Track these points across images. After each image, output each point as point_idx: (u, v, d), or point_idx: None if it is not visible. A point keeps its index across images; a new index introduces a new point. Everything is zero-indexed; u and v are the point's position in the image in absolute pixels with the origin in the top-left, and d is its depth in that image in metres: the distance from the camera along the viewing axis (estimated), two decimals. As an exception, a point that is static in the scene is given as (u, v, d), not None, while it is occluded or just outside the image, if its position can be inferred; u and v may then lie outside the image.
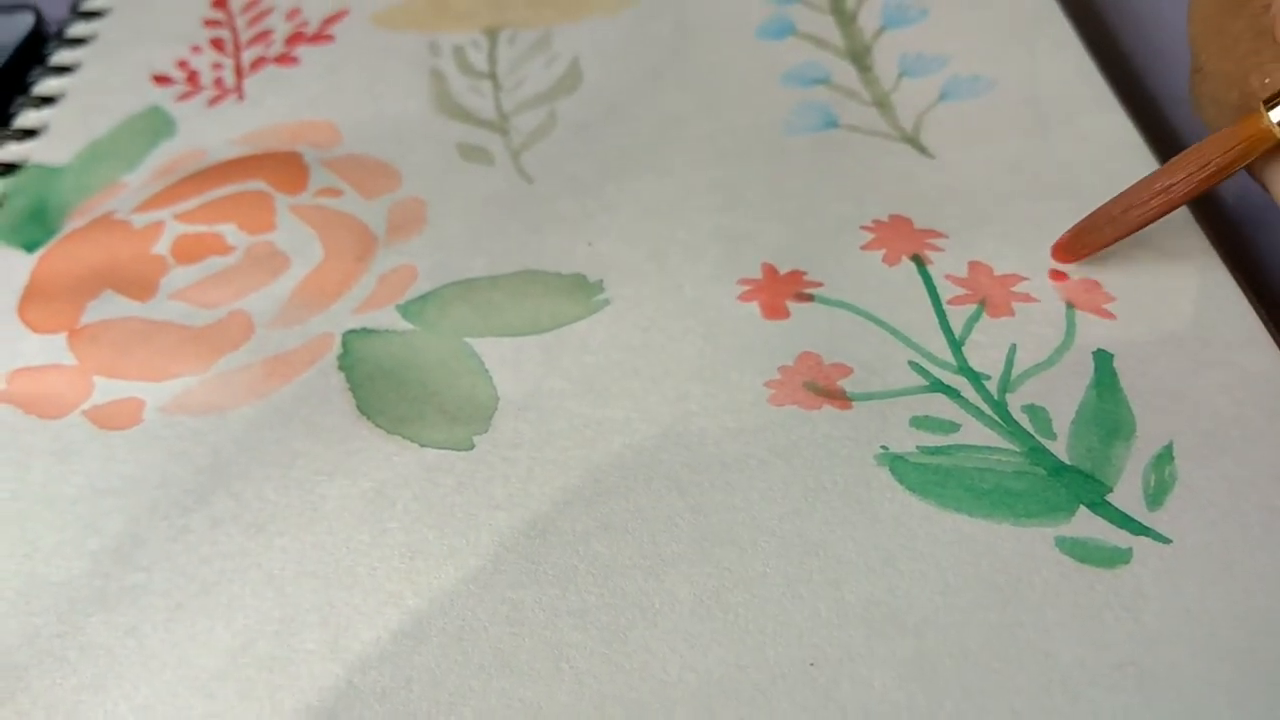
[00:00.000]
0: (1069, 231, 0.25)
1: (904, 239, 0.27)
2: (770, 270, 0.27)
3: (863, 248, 0.27)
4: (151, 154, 0.32)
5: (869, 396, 0.24)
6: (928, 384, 0.24)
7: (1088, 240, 0.25)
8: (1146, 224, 0.24)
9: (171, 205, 0.30)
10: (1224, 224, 0.28)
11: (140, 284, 0.28)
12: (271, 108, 0.34)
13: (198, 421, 0.26)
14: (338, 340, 0.27)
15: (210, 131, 0.33)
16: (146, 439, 0.25)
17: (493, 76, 0.34)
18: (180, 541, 0.23)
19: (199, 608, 0.22)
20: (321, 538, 0.23)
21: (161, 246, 0.29)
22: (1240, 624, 0.19)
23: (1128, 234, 0.24)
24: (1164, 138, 0.30)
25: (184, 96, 0.34)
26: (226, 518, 0.24)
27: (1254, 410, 0.22)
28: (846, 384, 0.24)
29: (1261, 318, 0.24)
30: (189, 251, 0.29)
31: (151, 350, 0.27)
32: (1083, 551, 0.21)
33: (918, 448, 0.23)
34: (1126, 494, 0.21)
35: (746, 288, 0.26)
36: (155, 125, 0.33)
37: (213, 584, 0.22)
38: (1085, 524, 0.21)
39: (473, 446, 0.24)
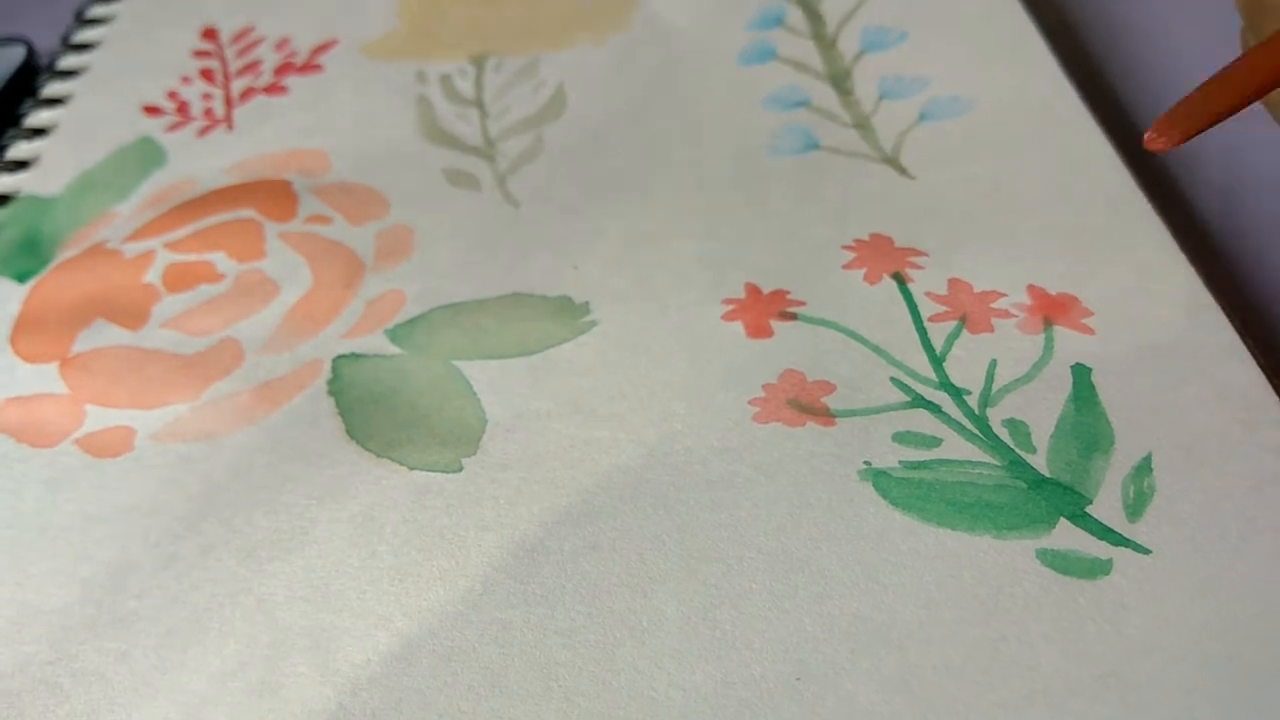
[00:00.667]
0: (1165, 114, 0.23)
1: (885, 258, 0.27)
2: (754, 290, 0.27)
3: (844, 267, 0.27)
4: (142, 184, 0.33)
5: (852, 413, 0.24)
6: (910, 400, 0.24)
7: (1190, 116, 0.23)
8: (1256, 93, 0.22)
9: (162, 235, 0.31)
10: (1201, 239, 0.29)
11: (131, 313, 0.29)
12: (261, 137, 0.34)
13: (189, 449, 0.26)
14: (327, 366, 0.27)
15: (200, 161, 0.33)
16: (138, 467, 0.25)
17: (479, 104, 0.34)
18: (171, 568, 0.23)
19: (190, 633, 0.22)
20: (311, 562, 0.23)
21: (153, 275, 0.30)
22: (1220, 633, 0.20)
23: (1236, 107, 0.22)
24: (1139, 154, 0.31)
25: (174, 127, 0.35)
26: (217, 544, 0.24)
27: (1231, 422, 0.23)
28: (830, 401, 0.24)
29: (1238, 330, 0.24)
30: (180, 280, 0.29)
31: (143, 378, 0.27)
32: (1064, 563, 0.21)
33: (900, 463, 0.23)
34: (1106, 506, 0.22)
35: (731, 307, 0.27)
36: (146, 155, 0.34)
37: (203, 610, 0.23)
38: (1066, 536, 0.21)
39: (461, 469, 0.24)
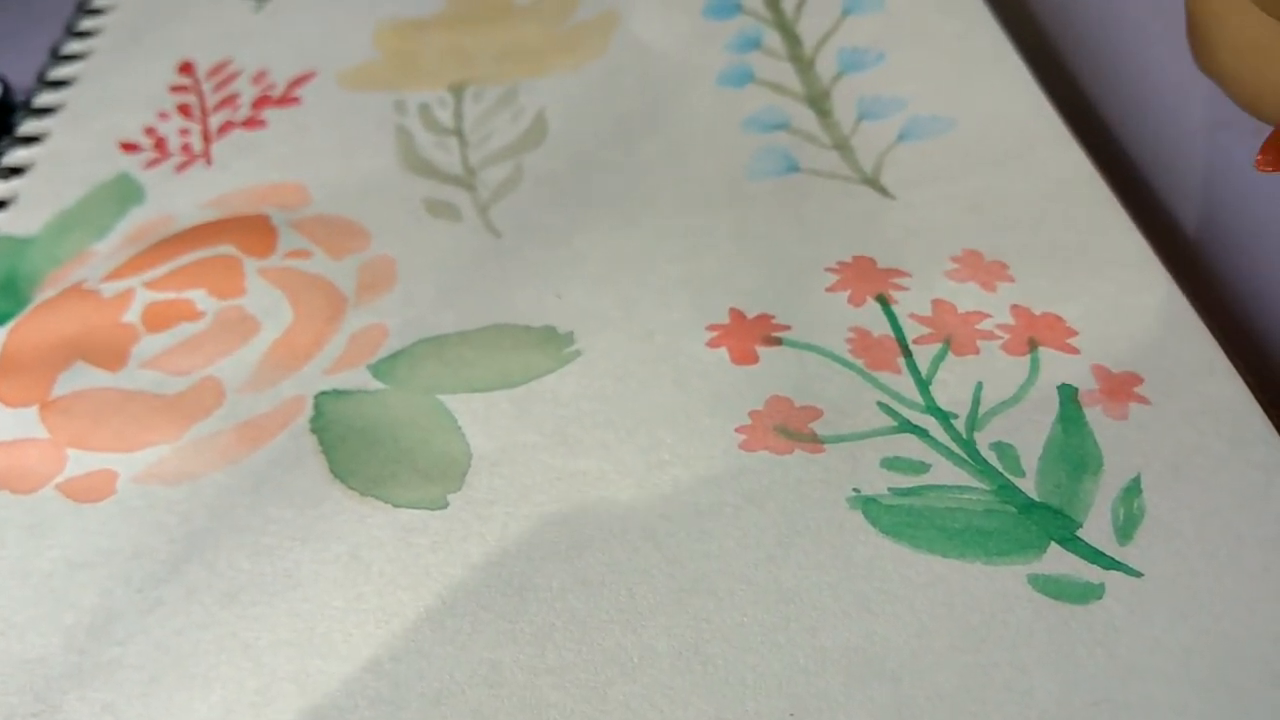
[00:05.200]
0: (1271, 136, 0.22)
1: (868, 280, 0.27)
2: (738, 315, 0.27)
3: (828, 289, 0.27)
4: (121, 222, 0.32)
5: (840, 439, 0.24)
6: (897, 424, 0.24)
7: None
8: None
9: (140, 273, 0.30)
10: (1182, 253, 0.29)
11: (111, 353, 0.28)
12: (239, 171, 0.34)
13: (170, 491, 0.25)
14: (309, 403, 0.27)
15: (179, 197, 0.33)
16: (120, 510, 0.25)
17: (459, 133, 0.34)
18: (154, 614, 0.23)
19: (175, 681, 0.22)
20: (296, 605, 0.23)
21: (132, 315, 0.29)
22: (1211, 654, 0.20)
23: None
24: (1118, 171, 0.31)
25: (152, 163, 0.34)
26: (200, 587, 0.24)
27: (1217, 439, 0.23)
28: (817, 426, 0.24)
29: (1222, 345, 0.24)
30: (159, 319, 0.29)
31: (124, 420, 0.27)
32: (1055, 588, 0.21)
33: (889, 489, 0.23)
34: (1096, 529, 0.21)
35: (715, 333, 0.27)
36: (124, 192, 0.33)
37: (188, 656, 0.22)
38: (1057, 560, 0.21)
39: (447, 505, 0.24)
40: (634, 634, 0.21)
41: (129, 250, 0.31)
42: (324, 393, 0.27)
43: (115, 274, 0.30)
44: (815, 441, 0.24)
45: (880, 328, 0.26)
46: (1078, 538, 0.21)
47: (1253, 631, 0.20)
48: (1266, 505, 0.21)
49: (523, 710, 0.20)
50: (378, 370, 0.27)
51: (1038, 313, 0.26)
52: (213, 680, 0.22)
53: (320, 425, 0.26)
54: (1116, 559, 0.21)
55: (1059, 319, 0.26)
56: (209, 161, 0.34)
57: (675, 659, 0.21)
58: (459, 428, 0.26)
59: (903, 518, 0.22)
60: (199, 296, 0.30)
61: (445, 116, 0.35)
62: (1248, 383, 0.23)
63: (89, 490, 0.26)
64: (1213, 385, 0.24)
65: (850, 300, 0.27)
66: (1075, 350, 0.25)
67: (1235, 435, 0.23)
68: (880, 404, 0.24)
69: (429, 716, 0.21)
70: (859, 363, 0.25)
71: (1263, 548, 0.21)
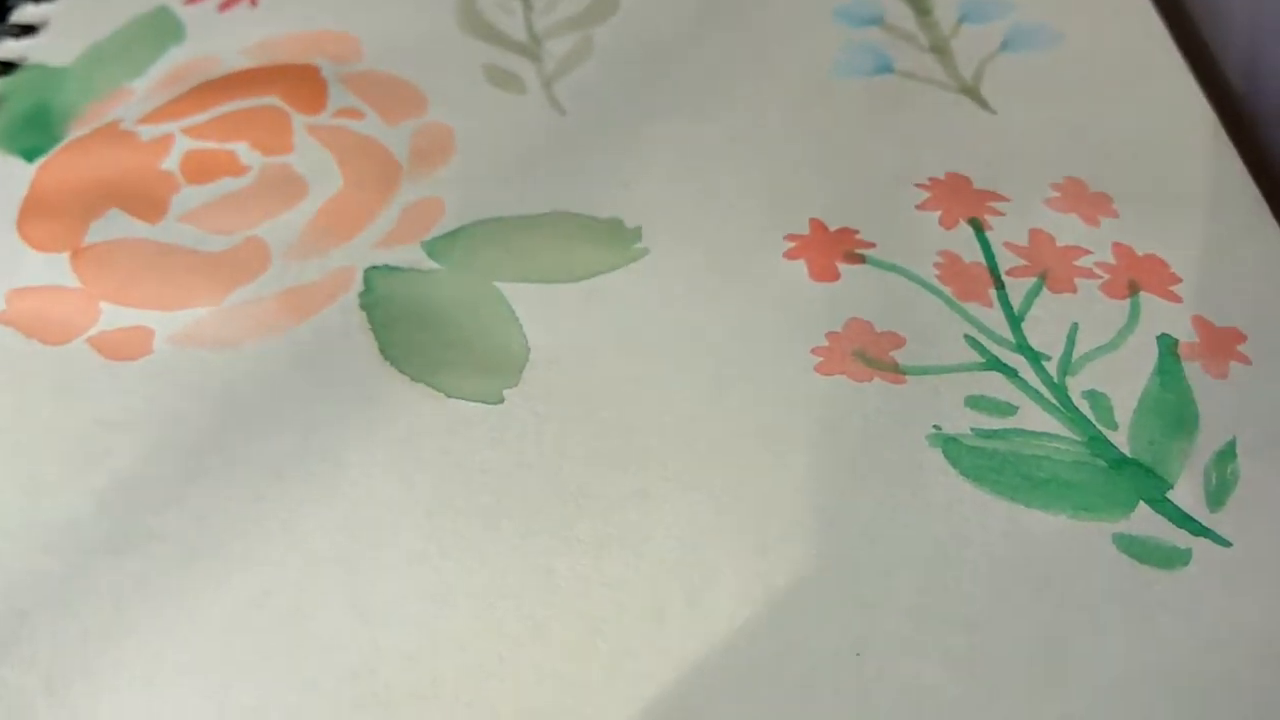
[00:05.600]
0: None
1: (962, 200, 0.26)
2: (819, 227, 0.25)
3: (918, 207, 0.26)
4: (159, 60, 0.30)
5: (923, 370, 0.23)
6: (984, 361, 0.23)
7: None
8: None
9: (180, 118, 0.28)
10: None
11: (149, 203, 0.27)
12: (288, 14, 0.31)
13: (211, 355, 0.24)
14: (359, 276, 0.25)
15: (222, 37, 0.31)
16: (157, 371, 0.24)
17: (524, -6, 0.32)
18: (195, 484, 0.22)
19: (214, 556, 0.21)
20: (344, 488, 0.22)
21: (170, 163, 0.28)
22: (1300, 637, 0.19)
23: None
24: (1231, 113, 0.29)
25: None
26: (242, 460, 0.22)
27: (1322, 408, 0.22)
28: (899, 355, 0.23)
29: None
30: (200, 170, 0.27)
31: (162, 276, 0.25)
32: (1141, 550, 0.20)
33: (972, 429, 0.22)
34: (1187, 492, 0.21)
35: (793, 244, 0.25)
36: (163, 28, 0.31)
37: (228, 531, 0.21)
38: (1144, 522, 0.20)
39: (502, 400, 0.23)
40: (695, 555, 0.20)
41: (168, 91, 0.29)
42: (375, 267, 0.25)
43: (153, 116, 0.29)
44: (896, 371, 0.23)
45: (972, 254, 0.25)
46: (1168, 499, 0.20)
47: (1340, 614, 0.19)
48: (1370, 483, 0.20)
49: (579, 620, 0.20)
50: (433, 249, 0.26)
51: (1141, 253, 0.24)
52: (254, 559, 0.21)
53: (370, 302, 0.25)
54: (1206, 525, 0.20)
55: (1163, 263, 0.24)
56: (254, 2, 0.32)
57: (738, 585, 0.20)
58: (517, 319, 0.24)
59: (985, 461, 0.21)
60: (242, 150, 0.28)
61: (511, -25, 0.32)
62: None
63: (123, 346, 0.24)
64: (1322, 351, 0.22)
65: (941, 221, 0.25)
66: (1178, 298, 0.23)
67: (1344, 407, 0.21)
68: (968, 337, 0.23)
69: (480, 617, 0.20)
70: (947, 290, 0.24)
71: (1359, 527, 0.20)
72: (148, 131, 0.28)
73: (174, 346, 0.24)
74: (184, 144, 0.28)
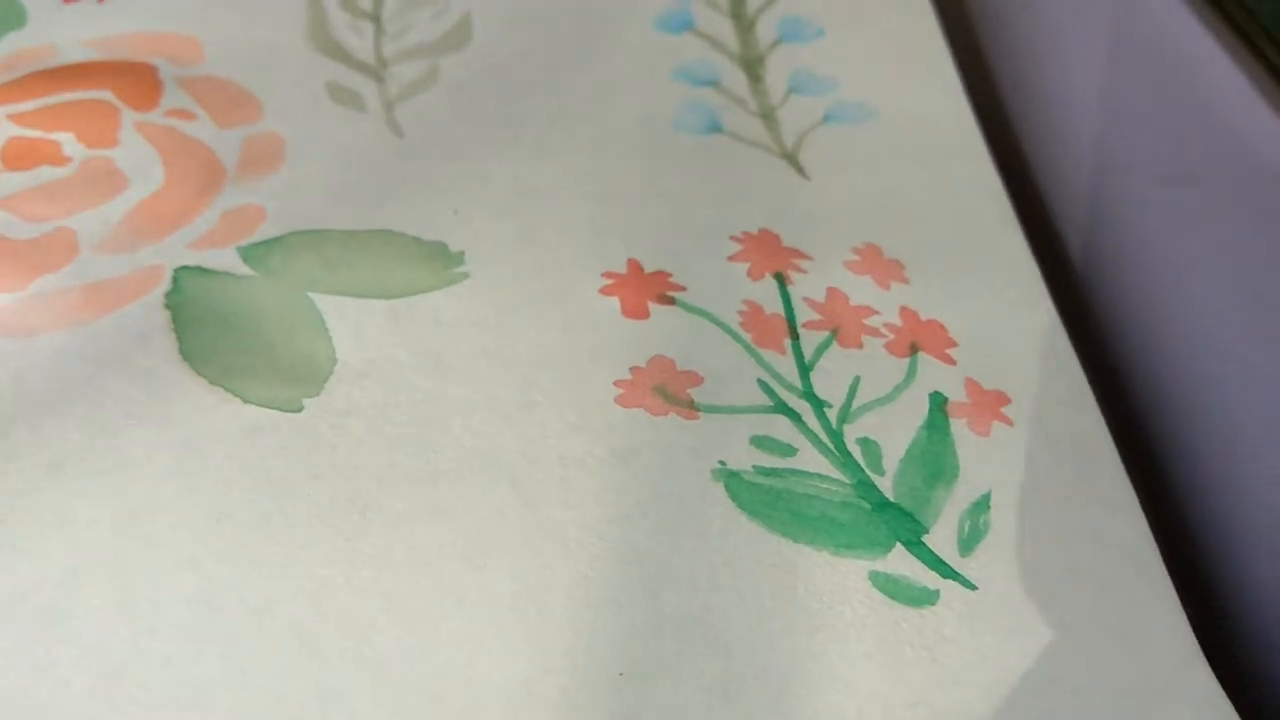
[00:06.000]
0: None
1: (770, 255, 0.27)
2: (636, 267, 0.26)
3: (730, 258, 0.27)
4: (-8, 42, 0.29)
5: (715, 409, 0.24)
6: (772, 404, 0.24)
7: None
8: None
9: (8, 104, 0.28)
10: (1069, 286, 0.29)
11: (-45, 183, 0.26)
12: (133, 14, 0.31)
13: (5, 343, 0.23)
14: (168, 275, 0.25)
15: (63, 28, 0.30)
16: (-61, 355, 0.23)
17: (376, 18, 0.32)
18: (-36, 473, 0.21)
19: (-23, 547, 0.20)
20: (123, 487, 0.22)
21: (-13, 146, 0.27)
22: (1029, 676, 0.20)
23: None
24: (1022, 191, 0.32)
25: (35, -16, 0.31)
26: (23, 451, 0.22)
27: (1070, 471, 0.23)
28: (695, 393, 0.24)
29: (1089, 379, 0.25)
30: (21, 156, 0.27)
31: (-42, 258, 0.25)
32: (894, 588, 0.21)
33: (754, 467, 0.23)
34: (941, 537, 0.22)
35: (610, 281, 0.26)
36: (4, 12, 0.30)
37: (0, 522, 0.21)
38: (899, 562, 0.22)
39: (301, 409, 0.23)
40: (476, 572, 0.21)
41: (1, 77, 0.28)
42: (186, 268, 0.25)
43: (-27, 97, 0.28)
44: (691, 408, 0.24)
45: (773, 305, 0.26)
46: (923, 543, 0.22)
47: (1072, 657, 0.21)
48: (1105, 540, 0.22)
49: (346, 633, 0.20)
50: (248, 254, 0.26)
51: (924, 318, 0.26)
52: (21, 552, 0.20)
53: (176, 302, 0.25)
54: (955, 569, 0.22)
55: (943, 327, 0.26)
56: (99, -4, 0.31)
57: (514, 603, 0.20)
58: (327, 330, 0.24)
59: (762, 497, 0.22)
60: (67, 140, 0.27)
61: (366, -1, 0.33)
62: (1107, 421, 0.24)
63: (-94, 327, 0.24)
64: (1075, 417, 0.24)
65: (749, 273, 0.27)
66: (953, 360, 0.25)
67: (1087, 469, 0.23)
68: (760, 381, 0.24)
69: (246, 625, 0.20)
70: (747, 337, 0.25)
71: (1095, 583, 0.22)
72: (-35, 112, 0.27)
73: (-38, 331, 0.24)
74: (7, 129, 0.27)
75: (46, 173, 0.27)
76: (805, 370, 0.25)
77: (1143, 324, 0.28)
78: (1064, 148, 0.33)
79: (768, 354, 0.25)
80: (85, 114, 0.28)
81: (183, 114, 0.28)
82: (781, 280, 0.27)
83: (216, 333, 0.24)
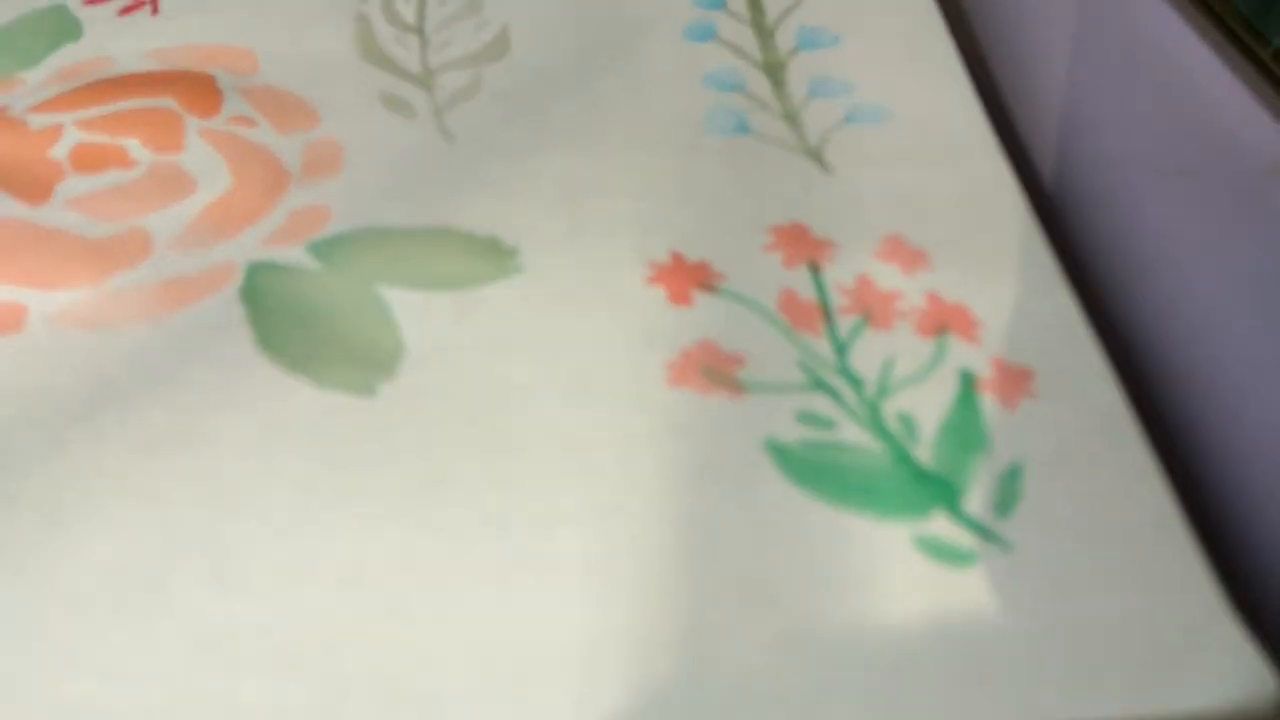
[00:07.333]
0: None
1: (802, 246, 0.29)
2: (678, 258, 0.28)
3: (764, 249, 0.29)
4: (53, 54, 0.31)
5: (759, 388, 0.25)
6: (812, 382, 0.26)
7: None
8: None
9: (73, 111, 0.29)
10: (1084, 274, 0.31)
11: (33, 186, 0.27)
12: (186, 26, 0.33)
13: (86, 335, 0.25)
14: (241, 271, 0.27)
15: (119, 40, 0.32)
16: (29, 347, 0.25)
17: (420, 31, 0.34)
18: (60, 455, 0.23)
19: (75, 523, 0.22)
20: (209, 464, 0.23)
21: (59, 151, 0.28)
22: (1066, 628, 0.22)
23: None
24: (1033, 186, 0.33)
25: (94, 0, 0.33)
26: (112, 434, 0.23)
27: (1092, 438, 0.25)
28: (740, 373, 0.26)
29: (1105, 356, 0.27)
30: (89, 161, 0.28)
31: (40, 256, 0.26)
32: (937, 550, 0.23)
33: (799, 440, 0.24)
34: (978, 502, 0.24)
35: (654, 272, 0.28)
36: (58, 25, 0.32)
37: (92, 500, 0.22)
38: (940, 526, 0.23)
39: (374, 392, 0.24)
40: (549, 538, 0.22)
41: (61, 85, 0.30)
42: (258, 264, 0.27)
43: (44, 106, 0.29)
44: (736, 387, 0.25)
45: (808, 292, 0.28)
46: (961, 508, 0.24)
47: (1105, 611, 0.22)
48: (1132, 503, 0.24)
49: (435, 595, 0.21)
50: (317, 249, 0.27)
51: (948, 302, 0.28)
52: (115, 526, 0.22)
53: (251, 295, 0.26)
54: (993, 530, 0.23)
55: (967, 310, 0.28)
56: (155, 10, 0.33)
57: (584, 567, 0.22)
58: (394, 320, 0.26)
59: (808, 467, 0.24)
60: (133, 145, 0.29)
61: (407, 12, 0.35)
62: (1124, 392, 0.26)
63: (-5, 321, 0.25)
64: (1097, 392, 0.26)
65: (784, 262, 0.28)
66: (978, 341, 0.27)
67: (1109, 437, 0.25)
68: (799, 361, 0.26)
69: (340, 595, 0.21)
70: (784, 320, 0.27)
71: (1124, 540, 0.23)
72: (37, 120, 0.29)
73: (49, 324, 0.25)
74: (74, 136, 0.29)
75: (115, 175, 0.28)
76: (841, 350, 0.26)
77: (1140, 311, 0.30)
78: (1061, 141, 0.35)
79: (805, 336, 0.27)
80: (150, 120, 0.29)
81: (244, 121, 0.30)
82: (814, 268, 0.28)
83: (289, 323, 0.25)
